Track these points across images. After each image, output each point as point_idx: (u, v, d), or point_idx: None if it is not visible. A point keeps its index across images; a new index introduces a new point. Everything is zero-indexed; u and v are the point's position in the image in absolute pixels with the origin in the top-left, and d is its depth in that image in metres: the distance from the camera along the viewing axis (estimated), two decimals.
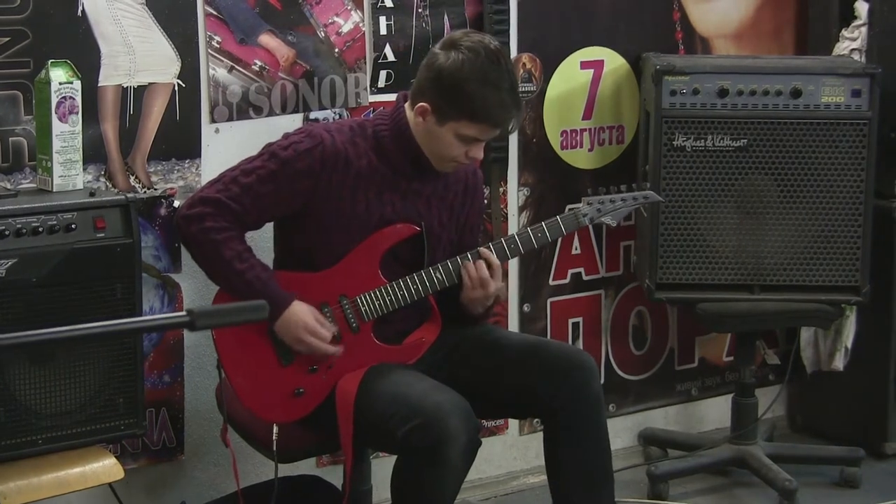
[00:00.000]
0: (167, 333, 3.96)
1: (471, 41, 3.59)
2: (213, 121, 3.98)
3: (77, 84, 3.57)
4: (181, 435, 4.05)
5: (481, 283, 3.67)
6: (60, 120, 3.55)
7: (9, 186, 3.62)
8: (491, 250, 3.69)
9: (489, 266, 3.67)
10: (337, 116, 4.14)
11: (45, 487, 3.41)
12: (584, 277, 4.74)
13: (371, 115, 3.99)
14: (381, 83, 4.23)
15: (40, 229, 3.40)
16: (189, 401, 4.05)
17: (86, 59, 3.73)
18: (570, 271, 4.72)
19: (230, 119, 4.00)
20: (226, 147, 3.97)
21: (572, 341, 4.70)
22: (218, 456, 4.07)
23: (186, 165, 3.95)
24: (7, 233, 3.35)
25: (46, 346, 3.15)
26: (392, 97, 3.82)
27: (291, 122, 4.03)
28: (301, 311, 3.60)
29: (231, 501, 3.87)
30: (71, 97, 3.55)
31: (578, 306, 4.75)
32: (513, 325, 4.56)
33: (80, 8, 3.73)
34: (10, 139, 3.68)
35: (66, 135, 3.56)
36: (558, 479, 3.72)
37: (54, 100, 3.53)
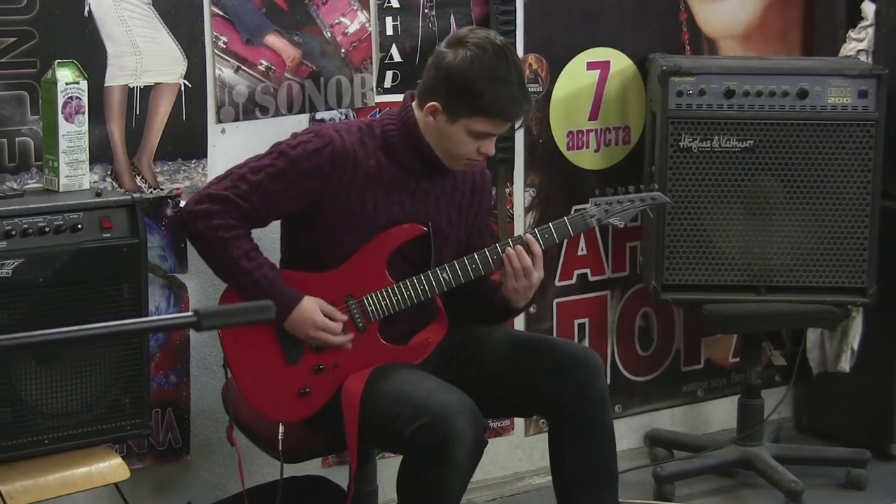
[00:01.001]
0: (173, 333, 3.96)
1: (477, 38, 3.59)
2: (219, 121, 3.98)
3: (83, 84, 3.56)
4: (187, 435, 4.05)
5: (525, 273, 3.66)
6: (67, 120, 3.54)
7: (15, 186, 3.62)
8: (537, 237, 3.67)
9: (530, 254, 3.66)
10: (343, 117, 4.14)
11: (51, 487, 3.41)
12: (591, 278, 4.74)
13: (378, 116, 3.99)
14: (388, 83, 4.23)
15: (47, 229, 3.39)
16: (195, 401, 4.05)
17: (92, 59, 3.73)
18: (577, 272, 4.71)
19: (236, 119, 4.00)
20: (232, 147, 3.97)
21: (578, 342, 4.69)
22: (224, 456, 4.07)
23: (193, 165, 3.95)
24: (13, 233, 3.35)
25: (52, 347, 3.15)
26: (398, 97, 3.82)
27: (298, 123, 4.03)
28: (310, 308, 3.60)
29: (237, 501, 3.86)
30: (77, 97, 3.55)
31: (584, 307, 4.74)
32: (518, 325, 4.55)
33: (87, 8, 3.73)
34: (17, 139, 3.68)
35: (73, 135, 3.56)
36: (562, 477, 3.71)
37: (61, 100, 3.53)
